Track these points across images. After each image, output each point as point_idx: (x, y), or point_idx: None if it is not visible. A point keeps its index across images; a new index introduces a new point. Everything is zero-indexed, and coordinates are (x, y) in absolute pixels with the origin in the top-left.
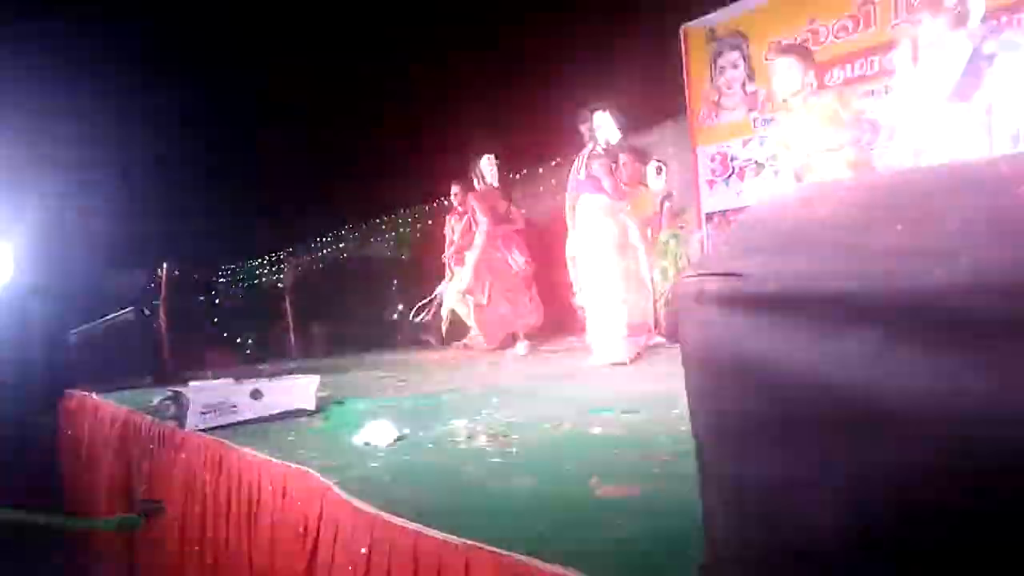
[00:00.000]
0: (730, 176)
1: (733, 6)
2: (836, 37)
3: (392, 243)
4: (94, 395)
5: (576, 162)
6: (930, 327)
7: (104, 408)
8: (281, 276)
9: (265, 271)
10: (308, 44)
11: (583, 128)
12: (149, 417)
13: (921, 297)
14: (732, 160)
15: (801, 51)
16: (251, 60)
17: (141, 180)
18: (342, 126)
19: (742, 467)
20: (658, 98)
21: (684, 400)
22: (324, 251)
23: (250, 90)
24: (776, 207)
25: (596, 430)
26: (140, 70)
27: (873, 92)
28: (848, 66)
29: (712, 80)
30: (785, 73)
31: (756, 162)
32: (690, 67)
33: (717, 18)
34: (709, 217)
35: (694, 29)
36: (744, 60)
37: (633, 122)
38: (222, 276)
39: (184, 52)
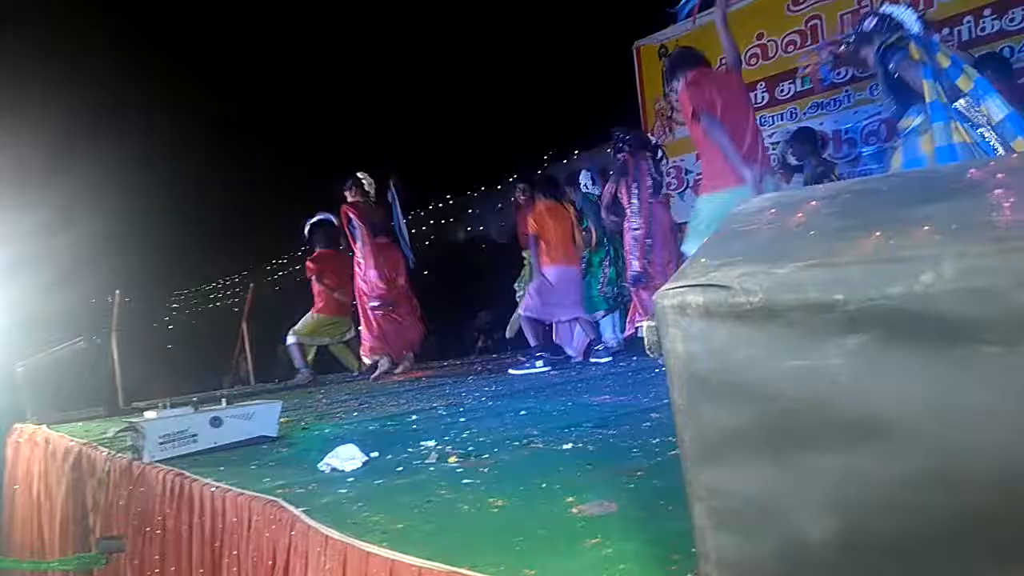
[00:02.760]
0: (685, 190)
1: (682, 23)
2: (785, 52)
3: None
4: (44, 427)
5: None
6: (916, 333)
7: (56, 441)
8: (236, 300)
9: (219, 296)
10: (266, 71)
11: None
12: (104, 449)
13: (907, 303)
14: (686, 174)
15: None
16: (206, 85)
17: (90, 207)
18: (296, 147)
19: (732, 481)
20: (613, 114)
21: (654, 413)
22: (280, 274)
23: (206, 112)
24: (757, 215)
25: (567, 446)
26: (92, 94)
27: (822, 105)
28: (798, 81)
29: (665, 96)
30: None
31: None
32: (643, 83)
33: (668, 35)
34: None
35: (646, 46)
36: None
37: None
38: (175, 302)
39: (140, 81)
